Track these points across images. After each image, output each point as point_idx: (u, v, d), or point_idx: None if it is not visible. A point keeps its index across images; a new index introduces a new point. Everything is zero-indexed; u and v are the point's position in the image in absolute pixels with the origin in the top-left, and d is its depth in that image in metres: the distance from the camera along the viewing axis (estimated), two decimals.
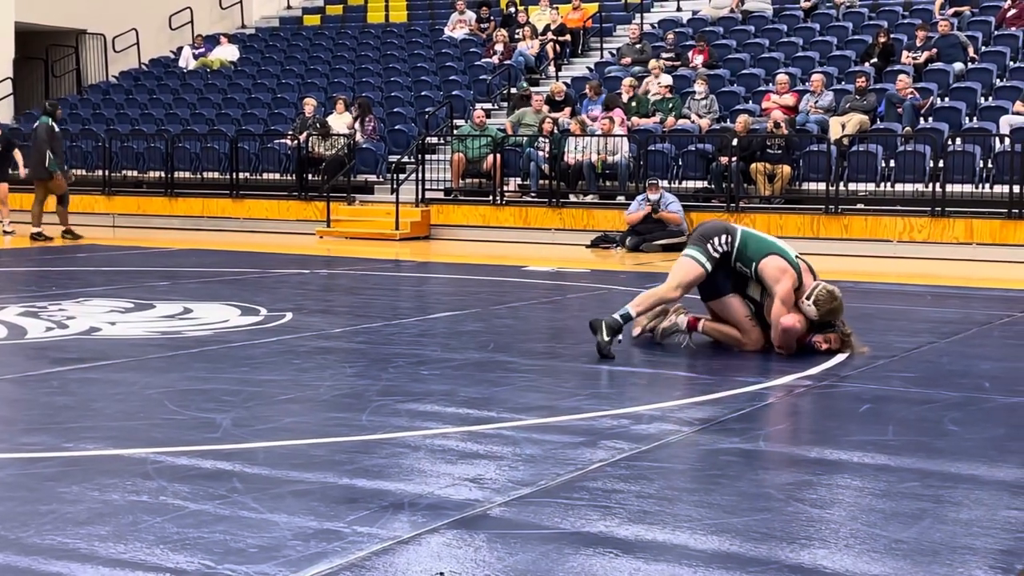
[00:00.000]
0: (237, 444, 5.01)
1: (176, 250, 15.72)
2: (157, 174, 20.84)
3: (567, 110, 19.17)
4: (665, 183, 16.78)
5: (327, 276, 13.10)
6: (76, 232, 17.45)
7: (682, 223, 16.05)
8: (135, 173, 21.29)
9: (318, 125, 19.53)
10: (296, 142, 19.55)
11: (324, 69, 23.84)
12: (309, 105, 20.17)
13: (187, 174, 20.74)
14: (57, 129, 17.66)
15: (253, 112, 22.11)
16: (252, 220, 19.50)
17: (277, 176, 20.07)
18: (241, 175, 20.06)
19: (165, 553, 3.59)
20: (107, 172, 20.99)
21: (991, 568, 3.58)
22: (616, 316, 7.37)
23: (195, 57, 25.52)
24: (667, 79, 19.04)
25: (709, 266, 7.45)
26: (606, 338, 7.27)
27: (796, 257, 7.46)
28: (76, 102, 24.74)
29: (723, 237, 7.46)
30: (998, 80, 17.95)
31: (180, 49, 26.29)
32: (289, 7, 29.14)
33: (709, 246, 7.46)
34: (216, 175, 20.48)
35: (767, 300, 7.44)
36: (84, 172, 21.68)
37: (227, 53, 25.44)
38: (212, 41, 26.04)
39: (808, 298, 7.31)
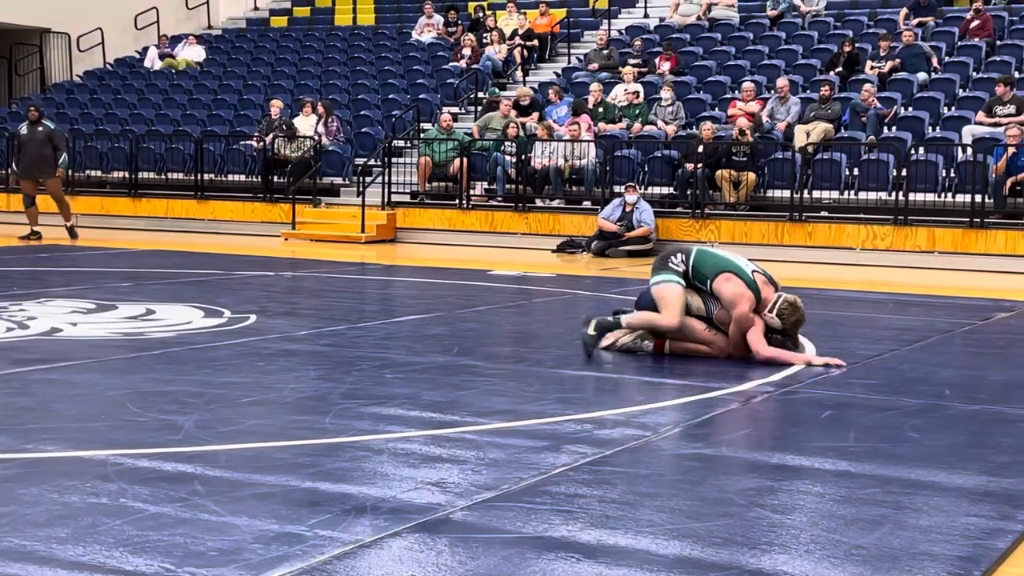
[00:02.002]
0: (199, 447, 4.98)
1: (140, 251, 15.62)
2: (121, 174, 20.71)
3: (535, 115, 19.19)
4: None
5: (292, 278, 13.05)
6: (39, 232, 17.31)
7: (651, 234, 16.10)
8: (99, 173, 21.15)
9: (284, 127, 19.47)
10: (262, 144, 19.47)
11: (291, 71, 23.76)
12: (275, 107, 20.10)
13: (151, 175, 20.61)
14: (23, 132, 17.58)
15: (219, 113, 22.01)
16: (217, 221, 19.41)
17: (242, 177, 19.99)
18: (206, 176, 19.97)
19: (124, 556, 3.57)
20: (71, 172, 20.81)
21: (949, 574, 3.61)
22: (609, 318, 7.55)
23: (161, 57, 25.37)
24: (635, 86, 19.09)
25: (682, 281, 7.50)
26: (592, 332, 7.46)
27: (752, 272, 7.45)
28: (40, 101, 24.50)
29: (678, 256, 7.57)
30: (961, 90, 18.10)
31: (146, 49, 26.13)
32: (256, 8, 29.01)
33: (670, 264, 7.55)
34: (181, 176, 20.37)
35: (718, 311, 7.50)
36: None
37: (193, 54, 25.30)
38: (178, 41, 25.91)
39: (771, 311, 7.37)
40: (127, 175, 20.49)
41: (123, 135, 21.15)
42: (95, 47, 26.75)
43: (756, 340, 7.37)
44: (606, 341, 7.81)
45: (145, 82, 24.51)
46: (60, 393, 6.13)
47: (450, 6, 24.70)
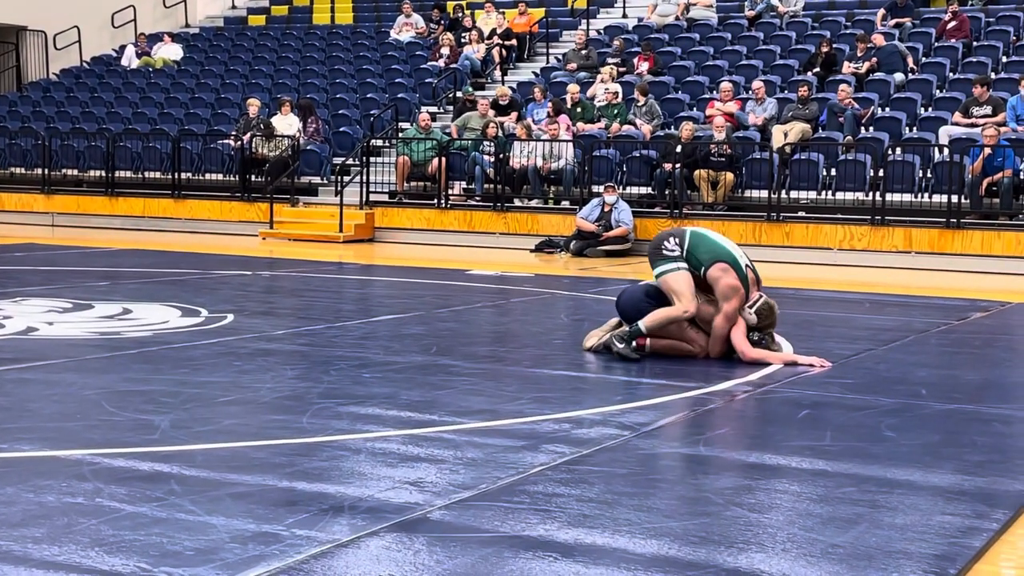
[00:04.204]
0: (175, 446, 4.96)
1: (116, 250, 15.56)
2: (98, 173, 20.61)
3: (513, 115, 19.20)
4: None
5: (269, 278, 13.01)
6: None
7: (629, 234, 16.13)
8: (75, 172, 21.04)
9: (262, 126, 19.41)
10: (239, 143, 19.42)
11: (269, 70, 23.70)
12: (253, 106, 20.04)
13: (128, 174, 20.53)
14: None
15: (196, 112, 21.94)
16: (194, 221, 19.35)
17: (220, 177, 19.92)
18: (183, 175, 19.90)
19: (100, 555, 3.55)
20: (47, 171, 20.73)
21: (925, 573, 3.63)
22: (626, 328, 7.51)
23: (138, 56, 25.27)
24: (613, 86, 19.10)
25: (682, 264, 7.44)
26: (620, 345, 7.40)
27: (745, 267, 7.48)
28: (16, 99, 24.41)
29: (671, 240, 7.51)
30: (938, 91, 18.19)
31: (123, 47, 26.03)
32: (234, 7, 28.92)
33: (664, 251, 7.48)
34: (158, 175, 20.29)
35: (701, 305, 7.50)
36: (23, 170, 21.44)
37: (170, 52, 25.21)
38: (155, 40, 25.81)
39: (751, 307, 7.43)
40: (104, 174, 20.39)
41: (100, 134, 21.05)
42: (72, 45, 26.63)
43: (741, 341, 7.40)
44: (588, 342, 7.78)
45: (122, 80, 24.41)
46: (36, 393, 6.10)
47: (435, 4, 24.69)
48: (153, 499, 4.15)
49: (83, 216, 20.03)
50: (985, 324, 10.04)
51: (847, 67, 18.89)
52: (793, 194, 16.52)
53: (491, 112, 19.05)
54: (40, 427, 5.30)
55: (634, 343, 7.47)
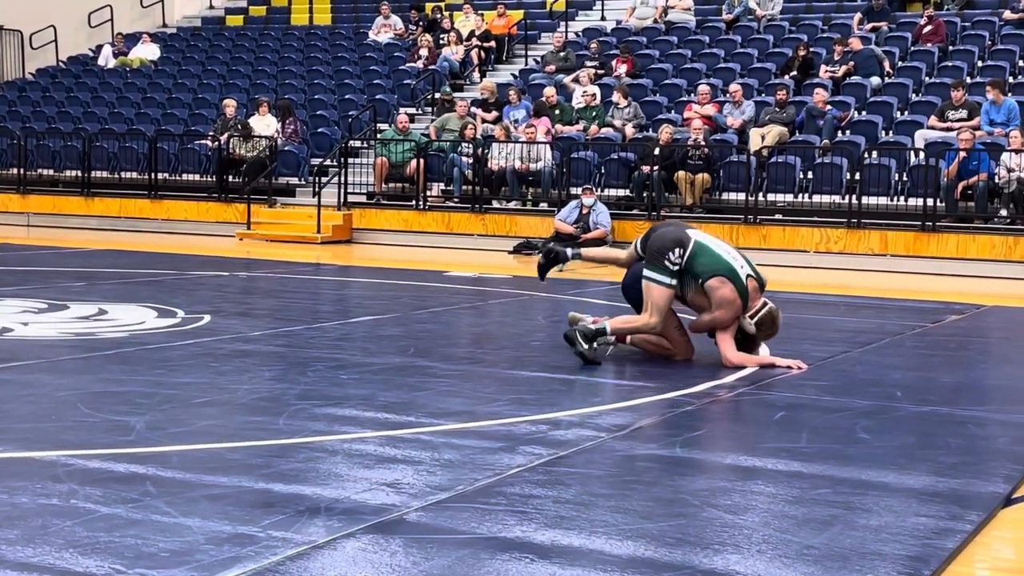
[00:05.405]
0: (151, 447, 4.95)
1: (92, 251, 15.49)
2: (74, 173, 20.52)
3: (492, 114, 19.21)
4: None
5: (246, 279, 12.98)
6: None
7: (607, 236, 16.16)
8: (51, 172, 20.94)
9: (239, 126, 19.36)
10: (217, 143, 19.36)
11: (246, 70, 23.64)
12: (230, 106, 19.98)
13: (105, 174, 20.45)
14: None
15: (173, 112, 21.86)
16: (171, 221, 19.29)
17: (197, 177, 19.85)
18: (160, 176, 19.83)
19: (75, 557, 3.54)
20: (22, 170, 20.63)
21: (899, 574, 3.65)
22: (591, 327, 7.41)
23: (115, 55, 25.16)
24: (592, 88, 19.14)
25: (674, 281, 7.37)
26: (584, 345, 7.29)
27: (746, 277, 7.39)
28: None
29: (676, 252, 7.34)
30: (914, 95, 18.29)
31: (100, 47, 25.92)
32: (211, 7, 28.83)
33: (666, 262, 7.35)
34: (134, 175, 20.23)
35: (694, 295, 7.47)
36: None
37: (147, 52, 25.12)
38: (132, 40, 25.71)
39: (752, 317, 7.37)
40: (80, 174, 20.31)
41: (76, 134, 20.96)
42: (48, 44, 26.50)
43: (726, 345, 7.40)
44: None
45: (99, 80, 24.31)
46: (10, 394, 6.06)
47: (412, 6, 24.67)
48: (128, 500, 4.13)
49: (59, 216, 19.94)
50: (960, 327, 10.10)
51: (824, 71, 18.98)
52: (770, 197, 16.58)
53: (478, 110, 19.08)
54: (14, 428, 5.27)
55: (607, 340, 7.44)
